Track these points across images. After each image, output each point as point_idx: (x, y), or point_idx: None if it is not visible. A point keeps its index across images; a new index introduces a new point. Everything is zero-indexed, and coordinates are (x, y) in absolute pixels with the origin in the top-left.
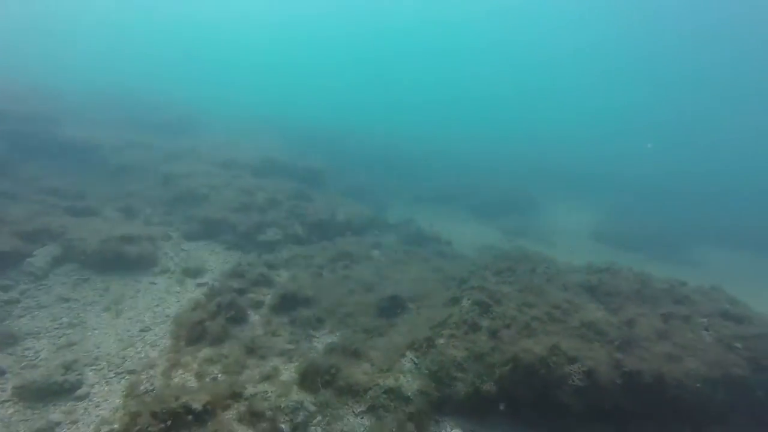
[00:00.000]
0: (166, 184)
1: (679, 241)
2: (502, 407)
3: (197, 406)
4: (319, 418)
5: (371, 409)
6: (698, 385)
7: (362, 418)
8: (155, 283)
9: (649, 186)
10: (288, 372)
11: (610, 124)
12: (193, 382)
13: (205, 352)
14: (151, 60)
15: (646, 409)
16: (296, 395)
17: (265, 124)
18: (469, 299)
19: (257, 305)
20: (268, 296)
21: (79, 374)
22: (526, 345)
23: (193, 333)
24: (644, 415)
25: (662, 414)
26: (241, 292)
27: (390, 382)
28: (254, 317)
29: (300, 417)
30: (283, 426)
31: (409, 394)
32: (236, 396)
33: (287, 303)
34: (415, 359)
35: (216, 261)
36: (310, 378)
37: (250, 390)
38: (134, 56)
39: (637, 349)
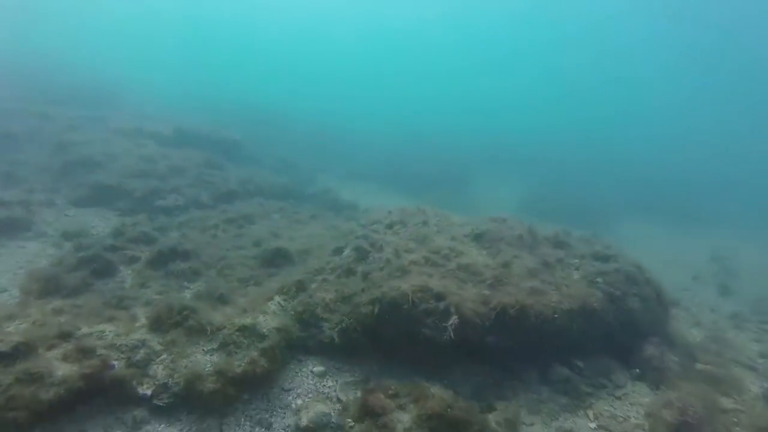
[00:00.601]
0: (58, 152)
1: (600, 213)
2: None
3: (4, 346)
4: (164, 356)
5: (222, 347)
6: (556, 315)
7: (211, 355)
8: (24, 247)
9: (579, 169)
10: (144, 317)
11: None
12: None
13: (56, 303)
14: (88, 34)
15: (511, 341)
16: (140, 335)
17: (199, 101)
18: (350, 247)
19: (132, 260)
20: (146, 253)
21: None
22: (395, 284)
23: (48, 286)
24: (512, 349)
25: (527, 346)
26: (114, 248)
27: (246, 321)
28: (126, 272)
29: (140, 354)
30: (115, 362)
31: (265, 331)
32: (66, 336)
33: (165, 257)
34: (282, 302)
35: (104, 226)
36: (162, 319)
37: (84, 330)
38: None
39: (507, 287)
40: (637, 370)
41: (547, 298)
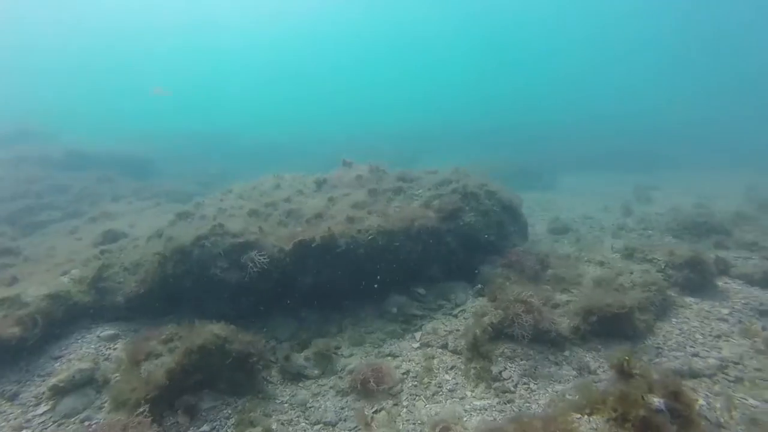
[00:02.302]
0: None
1: (539, 173)
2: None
3: None
4: None
5: None
6: (370, 236)
7: None
8: None
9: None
10: None
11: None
12: None
13: None
14: None
15: (331, 274)
16: None
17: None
18: (174, 213)
19: None
20: None
21: None
22: (190, 232)
23: None
24: (343, 288)
25: (356, 279)
26: None
27: (9, 293)
28: None
29: None
30: None
31: (29, 300)
32: None
33: None
34: (79, 273)
35: None
36: None
37: None
38: None
39: (325, 221)
40: (480, 286)
41: (362, 224)
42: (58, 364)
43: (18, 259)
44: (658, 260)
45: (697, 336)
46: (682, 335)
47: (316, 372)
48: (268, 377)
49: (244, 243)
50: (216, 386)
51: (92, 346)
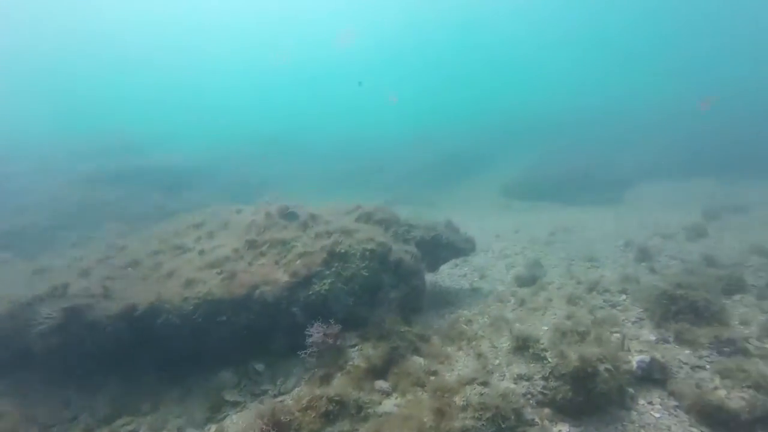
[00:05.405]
0: None
1: (611, 182)
2: None
3: None
4: None
5: None
6: (190, 308)
7: None
8: None
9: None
10: None
11: None
12: None
13: None
14: None
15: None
16: None
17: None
18: None
19: None
20: None
21: None
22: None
23: None
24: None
25: (191, 349)
26: None
27: None
28: None
29: None
30: None
31: None
32: None
33: None
34: None
35: None
36: None
37: None
38: None
39: (171, 280)
40: (316, 370)
41: (194, 289)
42: None
43: None
44: (549, 362)
45: None
46: None
47: None
48: None
49: (74, 307)
50: None
51: None
